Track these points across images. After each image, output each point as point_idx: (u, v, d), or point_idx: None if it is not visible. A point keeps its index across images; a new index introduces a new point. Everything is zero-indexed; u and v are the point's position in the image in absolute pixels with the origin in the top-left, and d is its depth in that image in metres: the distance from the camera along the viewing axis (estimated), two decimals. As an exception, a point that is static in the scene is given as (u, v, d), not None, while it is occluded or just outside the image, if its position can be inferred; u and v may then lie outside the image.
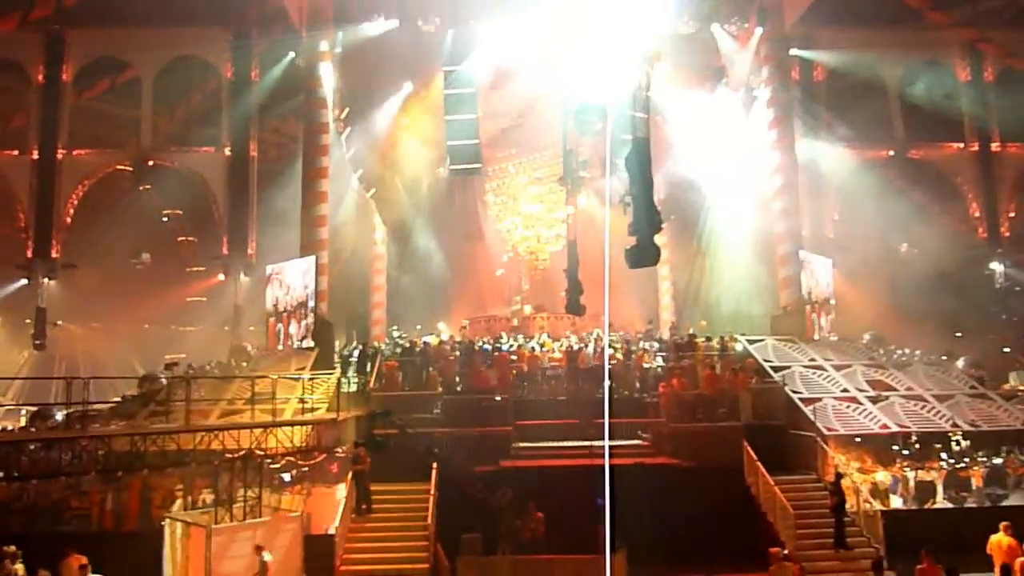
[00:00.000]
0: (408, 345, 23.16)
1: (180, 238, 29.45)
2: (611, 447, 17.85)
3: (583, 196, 24.79)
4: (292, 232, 23.96)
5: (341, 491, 16.33)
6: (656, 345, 23.63)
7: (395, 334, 25.55)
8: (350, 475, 16.38)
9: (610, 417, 18.61)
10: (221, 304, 28.75)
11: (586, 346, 22.33)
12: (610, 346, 22.66)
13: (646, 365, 22.02)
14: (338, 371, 20.86)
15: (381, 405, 19.38)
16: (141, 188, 28.08)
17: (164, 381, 20.20)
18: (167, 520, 14.87)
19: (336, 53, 24.22)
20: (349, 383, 20.90)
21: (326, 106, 23.99)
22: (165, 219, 28.69)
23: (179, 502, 16.38)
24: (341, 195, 27.01)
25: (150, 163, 28.10)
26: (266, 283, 23.79)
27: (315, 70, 23.90)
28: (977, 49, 30.37)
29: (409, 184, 29.53)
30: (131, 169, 28.15)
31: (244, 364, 22.14)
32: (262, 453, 15.15)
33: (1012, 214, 30.20)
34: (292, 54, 25.84)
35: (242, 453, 14.81)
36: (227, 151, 28.43)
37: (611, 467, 17.12)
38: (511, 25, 23.55)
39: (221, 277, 28.49)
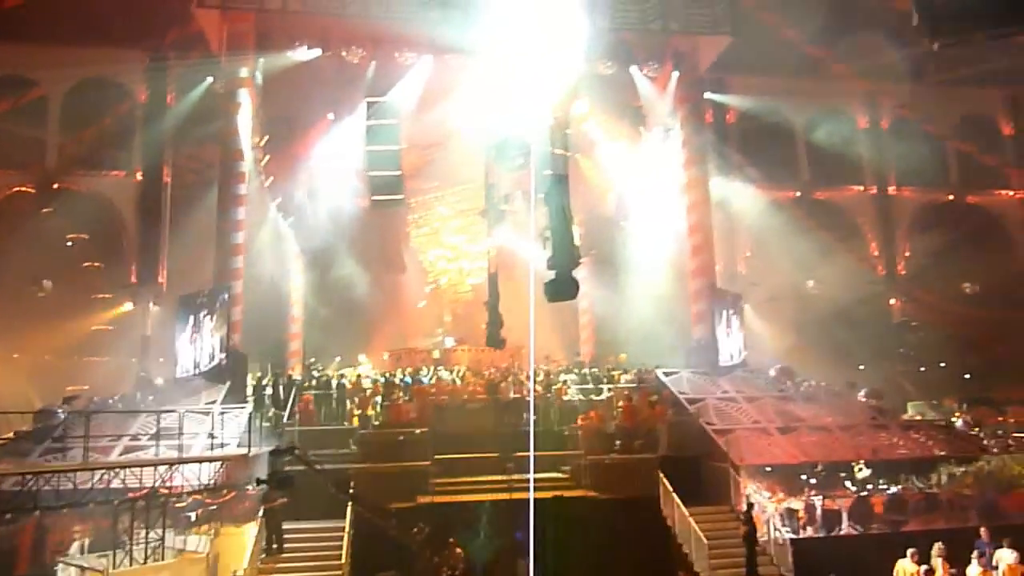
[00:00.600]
0: (326, 378, 22.64)
1: (85, 264, 28.02)
2: (533, 480, 17.90)
3: (504, 230, 24.97)
4: (206, 261, 23.22)
5: (252, 530, 15.68)
6: (576, 378, 23.83)
7: (312, 366, 24.94)
8: (260, 513, 15.77)
9: (531, 450, 18.67)
10: (129, 334, 27.47)
11: (507, 379, 22.31)
12: (532, 379, 22.72)
13: (566, 398, 22.16)
14: (251, 405, 20.20)
15: (296, 440, 18.89)
16: (44, 211, 26.73)
17: (62, 416, 19.11)
18: (61, 565, 13.96)
19: (257, 80, 23.82)
20: (263, 417, 20.23)
21: (245, 133, 23.48)
22: (69, 243, 27.26)
23: (76, 544, 15.39)
24: (258, 223, 26.37)
25: (55, 186, 26.94)
26: (176, 312, 22.89)
27: (234, 96, 23.39)
28: (875, 99, 32.47)
29: (329, 213, 29.10)
30: (34, 191, 26.81)
31: (151, 398, 21.14)
32: (167, 491, 14.44)
33: (907, 253, 32.11)
34: (211, 79, 25.27)
35: (145, 492, 14.09)
36: (139, 176, 27.47)
37: (532, 500, 17.19)
38: (435, 59, 23.73)
39: (129, 306, 27.29)
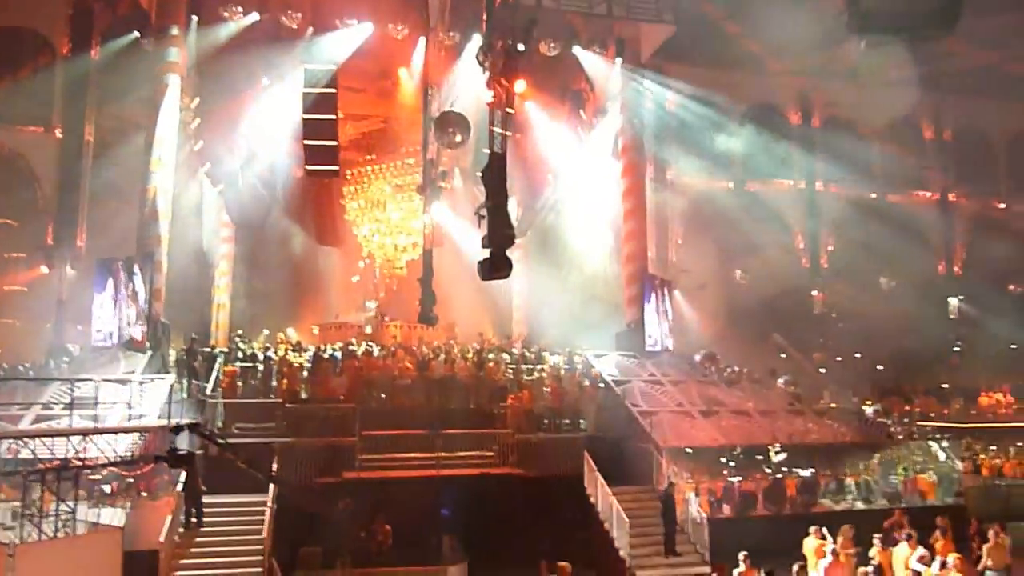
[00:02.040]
0: (252, 350, 22.16)
1: (-3, 220, 26.56)
2: (458, 458, 18.04)
3: (441, 207, 24.85)
4: (129, 225, 22.38)
5: (170, 504, 15.30)
6: (507, 357, 23.96)
7: (238, 338, 24.36)
8: (179, 487, 15.40)
9: (459, 428, 18.77)
10: (43, 297, 26.23)
11: (437, 356, 22.28)
12: (463, 357, 22.77)
13: (497, 377, 22.27)
14: (172, 376, 19.65)
15: (220, 413, 18.50)
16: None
17: (-33, 382, 18.19)
18: (-37, 537, 13.36)
19: (188, 40, 22.93)
20: (184, 389, 19.71)
21: (173, 93, 22.61)
22: (-22, 198, 25.80)
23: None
24: (185, 189, 25.51)
25: (-37, 139, 25.39)
26: (96, 278, 21.99)
27: (164, 55, 22.50)
28: (808, 97, 33.47)
29: (262, 182, 28.35)
30: (-61, 144, 25.27)
31: (65, 365, 20.32)
32: (81, 463, 13.94)
33: (831, 248, 33.34)
34: (136, 33, 24.17)
35: (57, 463, 13.58)
36: (58, 132, 26.12)
37: (457, 478, 17.33)
38: (376, 27, 23.30)
39: (44, 269, 26.06)
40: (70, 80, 26.13)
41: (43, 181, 25.78)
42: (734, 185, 31.98)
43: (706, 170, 31.17)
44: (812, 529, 13.63)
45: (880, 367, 30.43)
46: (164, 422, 15.82)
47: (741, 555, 12.39)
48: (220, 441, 14.60)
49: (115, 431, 14.86)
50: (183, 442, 15.79)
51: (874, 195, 34.12)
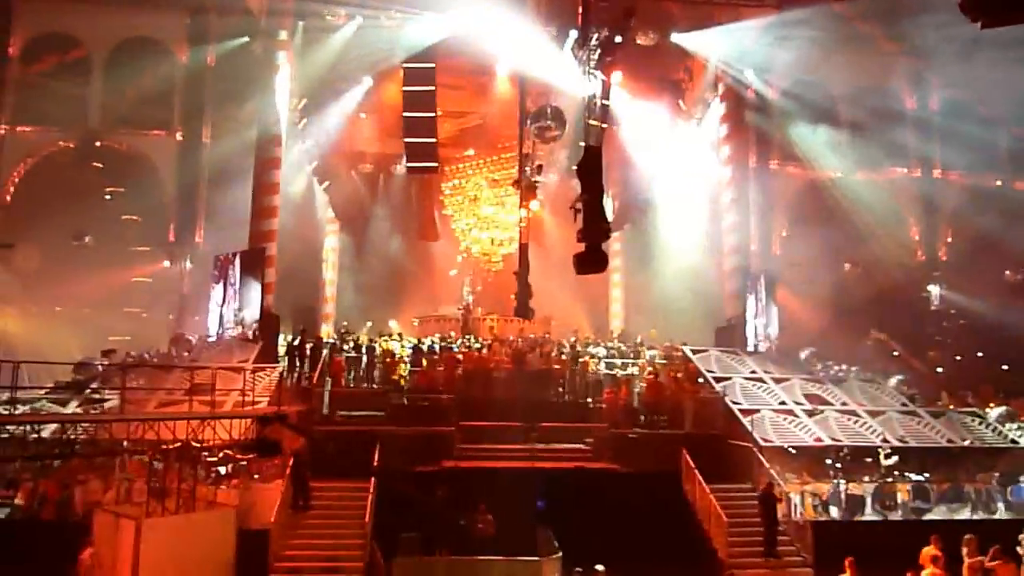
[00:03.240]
0: (356, 341, 22.97)
1: (124, 216, 28.56)
2: (553, 451, 18.15)
3: (537, 201, 24.93)
4: (242, 221, 23.59)
5: (280, 487, 16.09)
6: (604, 352, 23.87)
7: (343, 329, 25.30)
8: (288, 470, 16.18)
9: (554, 421, 18.87)
10: (166, 290, 28.12)
11: (533, 350, 22.43)
12: (558, 351, 22.86)
13: (592, 371, 22.23)
14: (282, 365, 20.60)
15: (325, 402, 19.28)
16: (91, 166, 27.33)
17: (100, 368, 19.71)
18: (96, 511, 14.50)
19: (296, 43, 23.94)
20: (293, 378, 20.65)
21: (283, 95, 23.67)
22: (108, 197, 27.81)
23: (110, 493, 15.97)
24: (294, 186, 26.66)
25: (97, 144, 27.51)
26: (213, 272, 23.36)
27: (273, 58, 23.58)
28: (923, 79, 31.49)
29: (365, 179, 29.31)
30: (76, 148, 27.42)
31: (185, 354, 21.69)
32: (199, 445, 14.86)
33: (949, 239, 31.37)
34: (247, 38, 25.44)
35: (178, 445, 14.52)
36: (178, 135, 27.91)
37: (552, 471, 17.42)
38: (476, 26, 23.58)
39: (167, 263, 27.89)
40: (188, 85, 27.83)
41: (165, 181, 27.58)
42: (843, 173, 30.53)
43: (813, 159, 29.93)
44: (932, 538, 12.86)
45: (1005, 367, 28.41)
46: (274, 409, 16.67)
47: (847, 560, 11.91)
48: (303, 430, 15.11)
49: (230, 416, 15.71)
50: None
51: (999, 182, 31.83)
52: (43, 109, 27.91)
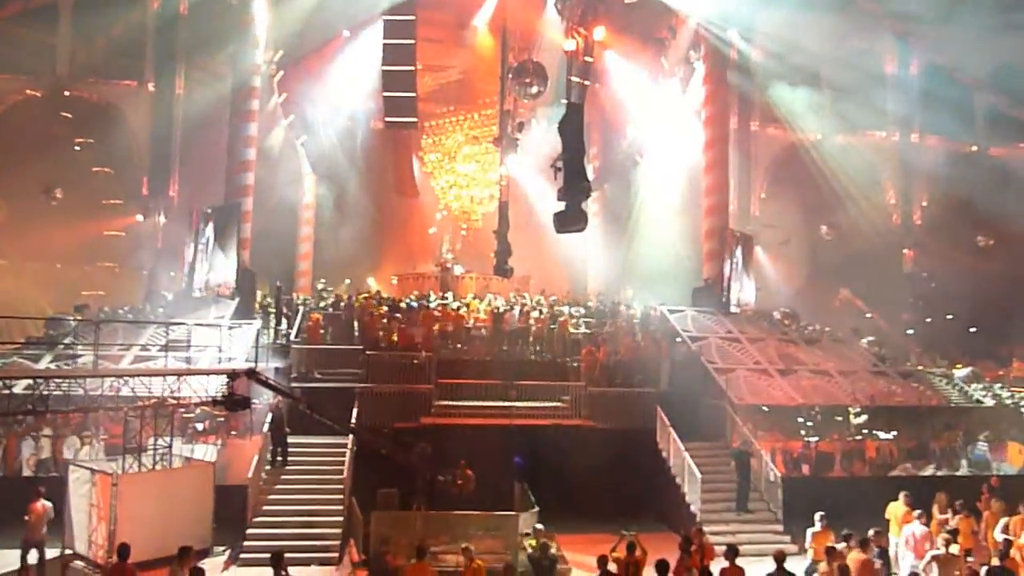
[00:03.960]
0: (334, 299, 22.83)
1: (95, 168, 27.83)
2: (530, 408, 18.29)
3: (517, 158, 24.74)
4: (217, 175, 23.15)
5: (258, 443, 16.10)
6: (581, 311, 23.96)
7: (321, 286, 25.13)
8: (265, 427, 16.17)
9: (532, 379, 18.98)
10: (139, 244, 27.63)
11: (512, 308, 22.46)
12: (535, 310, 22.90)
13: (571, 330, 22.33)
14: (258, 322, 20.47)
15: (302, 359, 19.21)
16: (60, 116, 26.56)
17: (72, 323, 19.45)
18: (72, 467, 14.44)
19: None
20: (270, 334, 20.54)
21: (258, 47, 23.10)
22: (78, 148, 27.04)
23: (85, 448, 15.90)
24: (270, 140, 26.20)
25: (66, 93, 26.71)
26: (188, 226, 23.00)
27: (248, 6, 22.93)
28: (905, 42, 31.43)
29: (342, 134, 28.86)
30: (44, 98, 26.61)
31: (160, 309, 21.45)
32: (175, 401, 14.78)
33: (925, 203, 31.72)
34: (222, -14, 24.66)
35: (154, 400, 14.43)
36: (150, 86, 27.18)
37: (529, 427, 17.58)
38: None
39: (140, 218, 27.37)
40: (160, 34, 27.02)
41: (137, 133, 26.91)
42: (822, 136, 30.58)
43: (793, 121, 29.90)
44: (902, 495, 13.18)
45: (973, 329, 28.99)
46: (251, 365, 16.56)
47: (817, 515, 12.18)
48: (275, 385, 14.99)
49: (206, 372, 15.63)
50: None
51: (975, 147, 32.08)
52: (8, 57, 26.92)
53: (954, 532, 11.60)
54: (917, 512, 12.42)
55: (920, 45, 31.52)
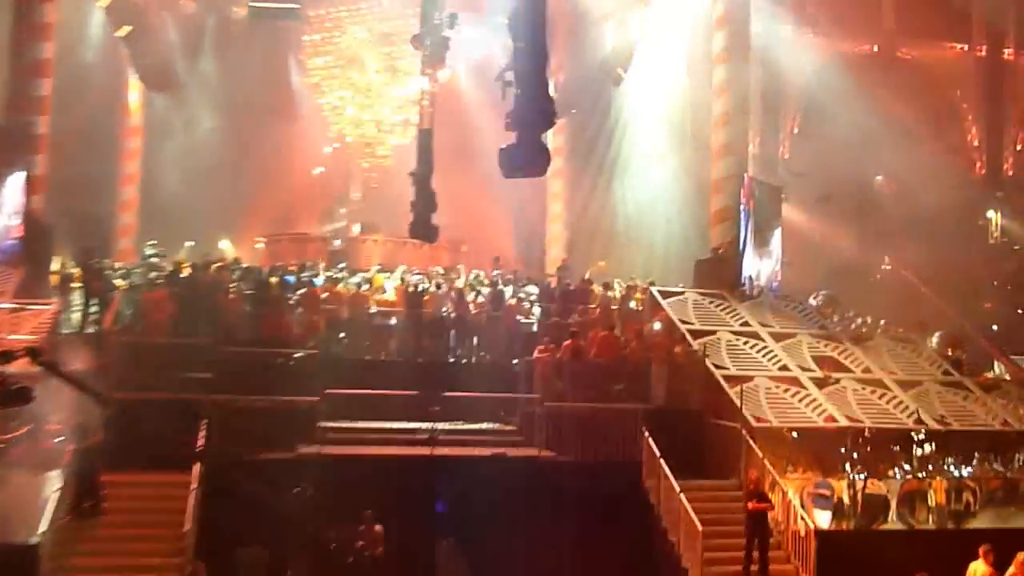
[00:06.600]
0: (170, 269, 22.47)
1: None
2: (462, 432, 18.32)
3: (446, 67, 24.50)
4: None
5: (56, 481, 15.75)
6: (536, 291, 24.04)
7: (151, 251, 24.67)
8: (68, 457, 15.83)
9: (464, 390, 18.99)
10: None
11: (435, 287, 22.42)
12: (471, 290, 22.89)
13: (521, 319, 22.37)
14: (58, 301, 20.03)
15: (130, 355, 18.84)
16: None
17: None
18: None
19: None
20: (74, 319, 20.13)
21: None
22: None
23: None
24: (77, 33, 25.58)
25: None
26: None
27: None
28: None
29: (184, 25, 28.31)
30: None
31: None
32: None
33: (1020, 146, 32.58)
34: None
35: None
36: None
37: (461, 459, 17.61)
38: None
39: None
40: None
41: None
42: (880, 48, 31.20)
43: (840, 25, 30.41)
44: (982, 550, 13.60)
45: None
46: (33, 342, 16.08)
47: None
48: (69, 375, 14.52)
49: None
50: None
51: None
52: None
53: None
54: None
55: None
